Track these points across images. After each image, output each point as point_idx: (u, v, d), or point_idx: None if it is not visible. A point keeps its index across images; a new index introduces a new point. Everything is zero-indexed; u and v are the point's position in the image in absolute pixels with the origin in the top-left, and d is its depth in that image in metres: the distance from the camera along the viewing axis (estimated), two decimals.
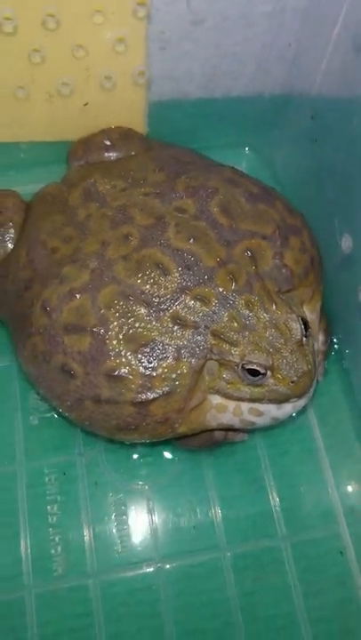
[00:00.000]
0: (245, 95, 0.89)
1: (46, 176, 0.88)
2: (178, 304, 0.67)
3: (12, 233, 0.79)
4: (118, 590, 0.71)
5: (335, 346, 0.82)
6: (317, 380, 0.76)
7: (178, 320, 0.66)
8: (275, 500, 0.75)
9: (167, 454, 0.77)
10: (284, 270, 0.69)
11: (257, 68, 0.86)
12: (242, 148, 0.96)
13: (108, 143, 0.84)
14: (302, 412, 0.77)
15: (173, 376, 0.65)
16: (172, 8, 0.76)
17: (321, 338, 0.79)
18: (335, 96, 0.76)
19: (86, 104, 0.84)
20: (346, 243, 0.76)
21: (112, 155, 0.84)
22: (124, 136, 0.85)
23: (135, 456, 0.77)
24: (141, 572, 0.72)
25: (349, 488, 0.76)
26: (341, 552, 0.73)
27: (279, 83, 0.87)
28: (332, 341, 0.81)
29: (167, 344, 0.66)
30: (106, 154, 0.84)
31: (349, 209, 0.76)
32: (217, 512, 0.74)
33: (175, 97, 0.88)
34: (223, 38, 0.81)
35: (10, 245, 0.79)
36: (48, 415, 0.78)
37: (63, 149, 0.88)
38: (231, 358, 0.65)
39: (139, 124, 0.88)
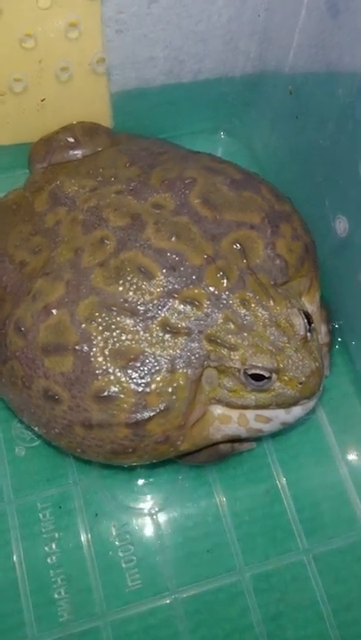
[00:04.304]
0: (215, 77, 0.85)
1: (6, 183, 0.83)
2: (166, 310, 0.62)
3: None
4: (133, 629, 0.66)
5: (338, 335, 0.77)
6: (325, 376, 0.71)
7: (168, 328, 0.62)
8: (292, 509, 0.70)
9: (170, 473, 0.72)
10: (277, 261, 0.65)
11: (225, 46, 0.81)
12: (216, 133, 0.92)
13: (71, 140, 0.79)
14: (311, 410, 0.71)
15: (170, 390, 0.61)
16: None
17: (323, 329, 0.74)
18: (315, 67, 0.71)
19: (43, 100, 0.78)
20: (341, 225, 0.71)
21: (77, 153, 0.79)
22: (88, 131, 0.80)
23: (136, 479, 0.71)
24: (156, 605, 0.67)
25: None
26: None
27: (251, 59, 0.82)
28: (334, 331, 0.76)
29: (159, 355, 0.61)
30: (71, 152, 0.79)
31: (341, 188, 0.71)
32: (231, 530, 0.70)
33: (139, 85, 0.83)
34: (184, 17, 0.76)
35: None
36: (35, 444, 0.73)
37: (23, 153, 0.82)
38: (231, 364, 0.61)
39: (103, 118, 0.83)
